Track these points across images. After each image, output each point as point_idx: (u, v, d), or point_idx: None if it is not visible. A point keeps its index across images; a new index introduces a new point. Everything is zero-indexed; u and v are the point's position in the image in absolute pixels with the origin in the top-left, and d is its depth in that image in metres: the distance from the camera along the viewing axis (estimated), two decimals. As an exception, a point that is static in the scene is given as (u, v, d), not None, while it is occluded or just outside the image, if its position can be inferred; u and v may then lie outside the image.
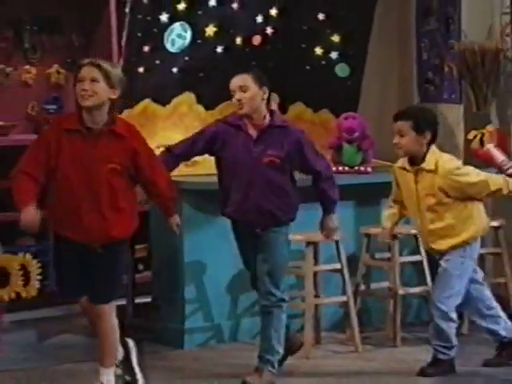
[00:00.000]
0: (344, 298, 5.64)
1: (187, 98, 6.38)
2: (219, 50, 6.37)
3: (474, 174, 4.92)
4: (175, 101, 6.32)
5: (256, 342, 5.46)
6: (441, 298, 4.97)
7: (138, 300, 6.46)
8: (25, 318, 5.67)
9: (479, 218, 4.97)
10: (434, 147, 4.97)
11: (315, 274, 5.77)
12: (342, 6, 6.84)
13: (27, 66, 6.79)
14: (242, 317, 6.06)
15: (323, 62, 6.74)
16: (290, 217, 4.80)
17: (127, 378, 4.49)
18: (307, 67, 6.71)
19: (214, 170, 5.67)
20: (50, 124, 4.48)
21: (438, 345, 5.04)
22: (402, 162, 5.06)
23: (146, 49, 6.14)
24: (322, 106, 6.90)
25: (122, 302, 6.34)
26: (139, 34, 6.10)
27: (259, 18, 6.44)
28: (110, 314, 4.26)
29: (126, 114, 5.98)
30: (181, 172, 5.79)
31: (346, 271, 5.80)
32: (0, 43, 6.63)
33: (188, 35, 6.25)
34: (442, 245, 4.97)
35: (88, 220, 4.08)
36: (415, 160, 4.94)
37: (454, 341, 5.04)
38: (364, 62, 7.00)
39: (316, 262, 5.74)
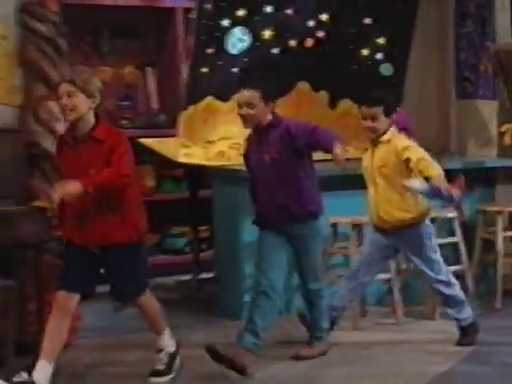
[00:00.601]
0: (388, 276, 5.66)
1: None
2: (275, 51, 6.41)
3: (420, 152, 4.83)
4: (234, 98, 6.17)
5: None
6: (435, 270, 4.97)
7: (202, 276, 6.75)
8: (100, 290, 5.70)
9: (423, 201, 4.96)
10: (392, 127, 4.96)
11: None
12: (386, 12, 6.81)
13: (104, 67, 7.04)
14: (295, 291, 5.94)
15: (369, 63, 6.78)
16: (310, 209, 4.67)
17: (162, 367, 4.46)
18: (354, 67, 6.74)
19: None
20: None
21: (456, 312, 5.03)
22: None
23: (210, 51, 6.22)
24: (368, 102, 7.07)
25: (188, 277, 6.92)
26: (203, 38, 6.19)
27: (311, 23, 6.46)
28: (145, 301, 4.36)
29: (191, 110, 6.25)
30: (238, 160, 5.91)
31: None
32: (81, 47, 6.83)
33: (247, 38, 6.30)
34: (393, 216, 4.91)
35: (84, 224, 4.10)
36: (376, 138, 4.95)
37: (464, 297, 5.04)
38: (407, 62, 7.01)
39: (360, 243, 5.75)
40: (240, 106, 4.58)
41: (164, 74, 7.42)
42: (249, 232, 5.88)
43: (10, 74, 5.63)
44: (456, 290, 5.03)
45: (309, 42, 6.54)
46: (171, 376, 4.46)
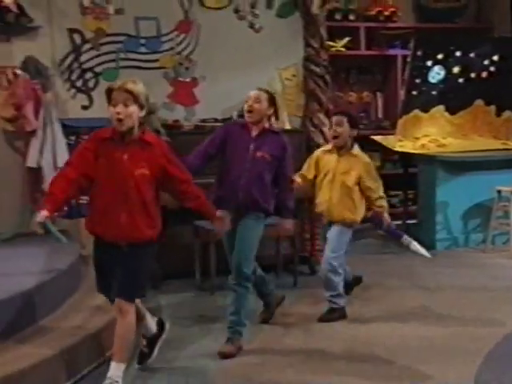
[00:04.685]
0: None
1: (440, 109, 6.59)
2: (461, 80, 6.58)
3: (375, 177, 4.30)
4: (432, 110, 6.56)
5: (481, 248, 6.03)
6: (331, 256, 4.25)
7: (408, 222, 6.90)
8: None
9: (363, 209, 4.32)
10: (356, 146, 4.34)
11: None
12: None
13: (351, 93, 7.34)
14: (470, 233, 6.41)
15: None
16: (267, 207, 3.84)
17: (145, 349, 3.50)
18: (514, 90, 6.53)
19: (458, 149, 6.37)
20: (89, 136, 3.27)
21: (330, 295, 4.29)
22: (327, 147, 4.43)
23: (417, 81, 6.45)
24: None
25: (399, 222, 6.61)
26: (414, 73, 6.41)
27: (486, 61, 6.60)
28: (129, 312, 3.13)
29: (404, 118, 6.42)
30: (434, 150, 6.44)
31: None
32: (338, 80, 6.98)
33: (442, 73, 6.51)
34: (343, 214, 4.26)
35: (116, 220, 3.05)
36: (341, 148, 4.28)
37: (342, 290, 4.32)
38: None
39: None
40: (247, 100, 3.84)
41: (387, 96, 7.40)
42: (440, 195, 6.25)
43: (298, 97, 6.14)
44: (341, 278, 4.29)
45: (484, 74, 6.63)
46: None
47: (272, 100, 3.87)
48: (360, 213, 4.30)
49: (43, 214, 2.93)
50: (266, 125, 3.87)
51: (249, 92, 3.86)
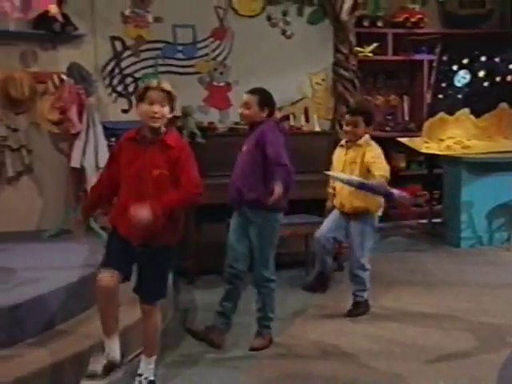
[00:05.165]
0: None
1: (465, 111, 6.55)
2: (486, 84, 6.58)
3: (380, 159, 4.09)
4: (458, 113, 6.52)
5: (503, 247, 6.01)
6: (359, 253, 4.22)
7: (433, 220, 6.88)
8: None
9: (375, 198, 4.13)
10: (367, 135, 4.21)
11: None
12: None
13: (378, 96, 7.30)
14: (494, 232, 6.35)
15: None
16: (255, 196, 3.55)
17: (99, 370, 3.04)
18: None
19: (482, 150, 6.30)
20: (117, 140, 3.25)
21: (357, 290, 4.30)
22: (342, 142, 4.35)
23: (443, 85, 6.47)
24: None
25: (425, 221, 6.91)
26: (440, 77, 6.44)
27: (510, 66, 6.59)
28: (154, 312, 3.12)
29: (430, 121, 6.42)
30: (459, 151, 6.37)
31: None
32: (366, 84, 6.92)
33: (468, 77, 6.52)
34: (353, 203, 4.18)
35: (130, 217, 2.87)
36: (352, 140, 4.20)
37: (369, 285, 4.31)
38: None
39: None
40: (240, 106, 3.67)
41: (413, 99, 7.34)
42: (464, 195, 6.21)
43: (327, 101, 6.20)
44: (367, 275, 4.29)
45: (508, 78, 6.61)
46: None
47: (264, 102, 3.62)
48: (372, 201, 4.13)
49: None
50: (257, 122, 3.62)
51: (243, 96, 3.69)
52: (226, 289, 3.74)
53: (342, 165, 4.22)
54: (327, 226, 4.31)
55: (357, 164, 4.12)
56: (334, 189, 4.36)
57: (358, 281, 4.29)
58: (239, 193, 3.59)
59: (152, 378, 3.16)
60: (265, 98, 3.63)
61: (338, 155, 4.31)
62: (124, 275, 2.99)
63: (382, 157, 4.14)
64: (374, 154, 4.10)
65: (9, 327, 3.19)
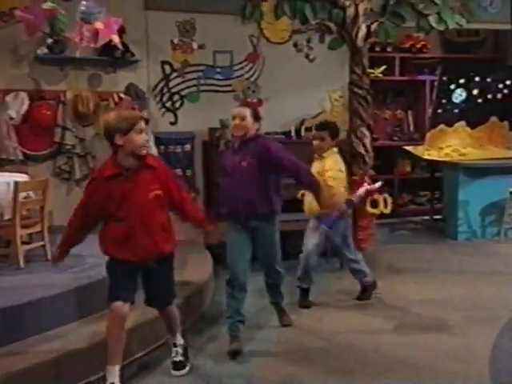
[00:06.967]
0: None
1: (461, 124, 6.54)
2: (479, 101, 6.57)
3: (332, 171, 3.89)
4: (455, 125, 6.52)
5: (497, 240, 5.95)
6: (345, 252, 4.11)
7: (435, 217, 6.90)
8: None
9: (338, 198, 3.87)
10: (334, 149, 4.00)
11: None
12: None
13: (387, 111, 7.39)
14: (487, 227, 6.25)
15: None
16: (269, 208, 3.37)
17: (181, 358, 3.14)
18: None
19: (476, 157, 6.20)
20: (92, 177, 2.95)
21: (359, 278, 4.21)
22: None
23: (443, 101, 6.48)
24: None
25: (427, 217, 6.93)
26: (440, 94, 6.45)
27: (500, 85, 6.60)
28: (171, 309, 3.06)
29: (431, 132, 6.34)
30: (456, 158, 6.27)
31: None
32: (377, 100, 6.73)
33: (464, 94, 6.52)
34: (312, 209, 3.91)
35: (142, 243, 2.75)
36: (319, 154, 3.97)
37: (367, 269, 4.19)
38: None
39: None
40: (234, 117, 3.37)
41: (417, 113, 7.35)
42: (461, 195, 6.12)
43: (343, 115, 5.95)
44: (362, 265, 4.18)
45: (498, 96, 6.63)
46: (188, 368, 3.12)
47: (256, 115, 3.37)
48: (335, 200, 3.79)
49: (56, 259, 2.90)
50: (250, 135, 3.34)
51: (234, 110, 3.42)
52: (231, 306, 3.40)
53: (316, 174, 3.87)
54: (311, 242, 4.03)
55: (320, 175, 3.85)
56: (303, 195, 4.08)
57: (356, 272, 4.22)
58: (251, 206, 3.31)
59: (185, 343, 3.17)
60: (256, 112, 3.41)
61: (313, 167, 3.97)
62: (133, 300, 2.84)
63: (337, 167, 3.92)
64: (328, 165, 3.90)
65: (76, 305, 3.29)
